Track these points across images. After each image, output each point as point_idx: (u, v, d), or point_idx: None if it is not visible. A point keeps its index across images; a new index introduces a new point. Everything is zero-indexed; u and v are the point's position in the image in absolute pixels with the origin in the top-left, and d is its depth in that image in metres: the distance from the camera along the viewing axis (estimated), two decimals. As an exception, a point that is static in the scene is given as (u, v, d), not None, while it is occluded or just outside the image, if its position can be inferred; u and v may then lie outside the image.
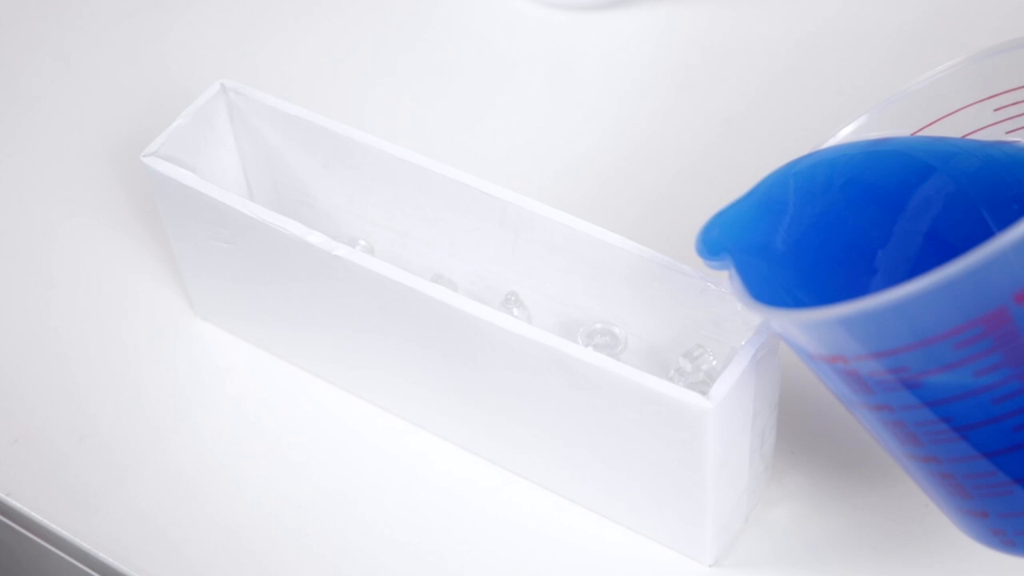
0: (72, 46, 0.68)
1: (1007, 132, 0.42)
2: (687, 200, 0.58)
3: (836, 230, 0.43)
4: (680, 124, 0.62)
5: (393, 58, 0.66)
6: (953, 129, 0.43)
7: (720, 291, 0.45)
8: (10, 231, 0.61)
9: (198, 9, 0.69)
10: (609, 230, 0.47)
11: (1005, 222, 0.40)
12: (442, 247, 0.52)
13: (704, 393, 0.42)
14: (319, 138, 0.51)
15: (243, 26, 0.68)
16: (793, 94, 0.63)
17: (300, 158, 0.53)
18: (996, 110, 0.42)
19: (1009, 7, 0.64)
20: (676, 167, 0.60)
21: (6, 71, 0.68)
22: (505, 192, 0.48)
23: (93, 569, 0.51)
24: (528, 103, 0.64)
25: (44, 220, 0.61)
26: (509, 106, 0.64)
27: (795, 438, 0.50)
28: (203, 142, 0.52)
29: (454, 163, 0.50)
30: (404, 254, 0.53)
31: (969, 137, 0.43)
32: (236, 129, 0.53)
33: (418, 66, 0.66)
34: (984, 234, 0.37)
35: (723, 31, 0.66)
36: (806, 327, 0.37)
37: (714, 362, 0.47)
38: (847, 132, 0.44)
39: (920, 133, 0.43)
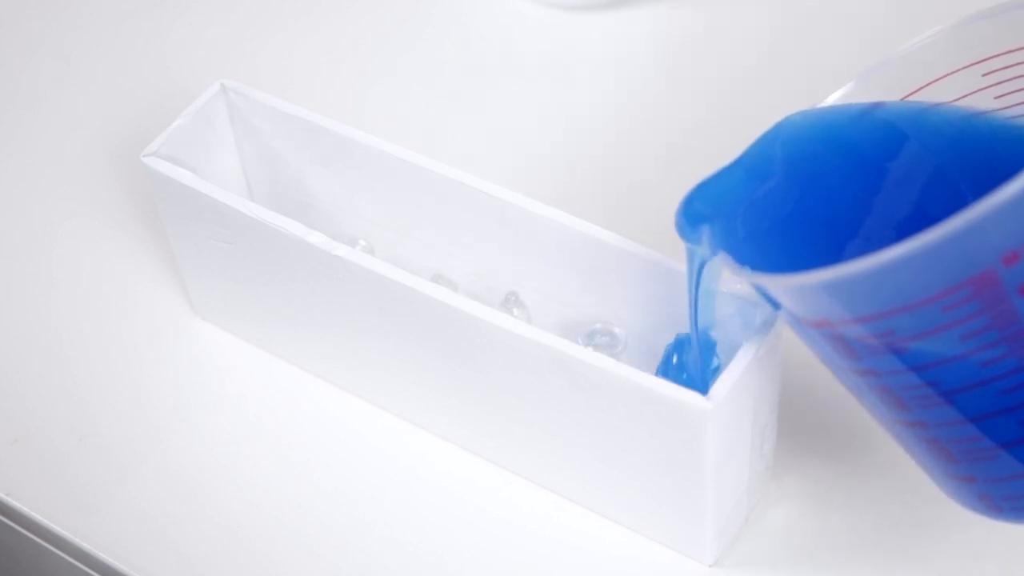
0: (72, 46, 0.68)
1: (996, 97, 0.42)
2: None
3: (821, 198, 0.42)
4: (681, 123, 0.62)
5: (393, 58, 0.66)
6: (942, 94, 0.42)
7: (720, 291, 0.45)
8: (10, 231, 0.61)
9: (198, 9, 0.69)
10: (609, 230, 0.47)
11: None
12: (442, 247, 0.52)
13: (704, 393, 0.42)
14: (319, 138, 0.51)
15: (243, 26, 0.68)
16: (796, 92, 0.63)
17: (300, 158, 0.53)
18: (984, 75, 0.42)
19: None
20: (677, 166, 0.60)
21: (6, 71, 0.68)
22: (505, 192, 0.48)
23: (93, 569, 0.51)
24: (528, 103, 0.64)
25: (44, 220, 0.61)
26: (509, 106, 0.64)
27: (795, 438, 0.50)
28: (203, 142, 0.52)
29: (454, 163, 0.50)
30: (404, 254, 0.53)
31: (958, 102, 0.42)
32: (236, 129, 0.53)
33: (418, 66, 0.66)
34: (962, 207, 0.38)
35: (723, 30, 0.66)
36: (792, 292, 0.37)
37: (717, 360, 0.47)
38: (835, 98, 0.44)
39: (908, 99, 0.43)
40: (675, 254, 0.46)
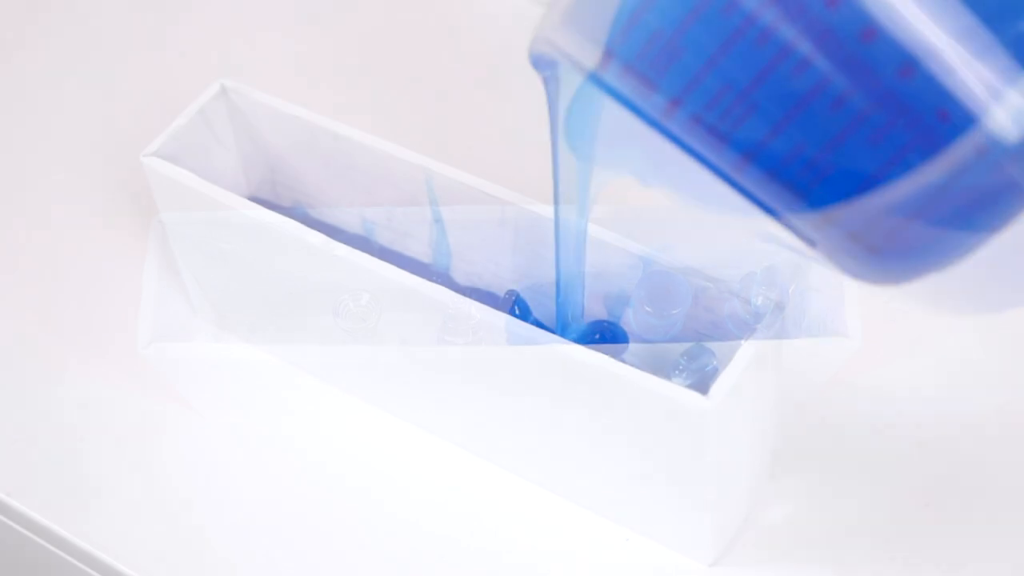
0: (72, 46, 0.68)
1: None
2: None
3: None
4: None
5: (394, 59, 0.66)
6: None
7: (719, 291, 0.45)
8: (10, 231, 0.61)
9: (199, 9, 0.69)
10: (610, 230, 0.47)
11: None
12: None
13: (704, 392, 0.42)
14: (319, 138, 0.51)
15: (244, 26, 0.68)
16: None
17: (300, 158, 0.53)
18: None
19: None
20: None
21: (6, 71, 0.68)
22: (504, 192, 0.48)
23: (94, 569, 0.51)
24: (529, 103, 0.64)
25: (44, 220, 0.61)
26: (510, 106, 0.64)
27: (795, 438, 0.50)
28: (203, 142, 0.52)
29: (453, 163, 0.50)
30: (405, 253, 0.53)
31: None
32: (236, 129, 0.53)
33: (419, 67, 0.66)
34: None
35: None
36: None
37: (715, 361, 0.47)
38: None
39: None
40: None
